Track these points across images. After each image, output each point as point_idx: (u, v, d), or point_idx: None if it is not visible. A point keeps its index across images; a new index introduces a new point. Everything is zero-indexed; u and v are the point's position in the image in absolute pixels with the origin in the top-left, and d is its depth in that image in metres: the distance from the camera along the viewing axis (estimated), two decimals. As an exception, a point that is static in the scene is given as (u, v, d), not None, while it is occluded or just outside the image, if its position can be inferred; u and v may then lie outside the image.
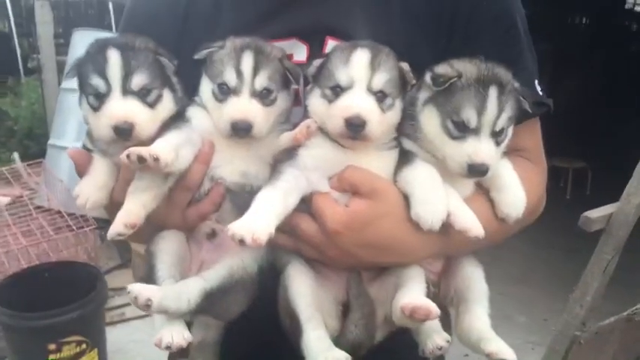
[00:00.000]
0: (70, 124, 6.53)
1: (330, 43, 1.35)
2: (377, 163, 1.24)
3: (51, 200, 5.56)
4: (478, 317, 1.33)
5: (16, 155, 6.67)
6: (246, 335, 1.39)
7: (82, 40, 6.69)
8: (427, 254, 1.28)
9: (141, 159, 1.11)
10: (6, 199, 5.77)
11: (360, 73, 1.20)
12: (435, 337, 1.28)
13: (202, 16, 1.47)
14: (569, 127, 10.20)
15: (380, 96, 1.21)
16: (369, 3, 1.38)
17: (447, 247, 1.27)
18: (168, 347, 1.19)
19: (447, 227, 1.18)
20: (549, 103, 1.42)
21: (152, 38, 1.33)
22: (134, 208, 1.21)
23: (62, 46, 8.35)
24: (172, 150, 1.18)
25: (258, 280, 1.33)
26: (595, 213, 2.67)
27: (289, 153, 1.23)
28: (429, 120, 1.22)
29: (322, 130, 1.24)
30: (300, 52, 1.39)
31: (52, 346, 3.66)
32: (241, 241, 1.07)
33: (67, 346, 3.70)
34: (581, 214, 2.72)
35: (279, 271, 1.32)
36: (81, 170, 1.31)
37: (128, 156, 1.11)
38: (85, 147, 1.37)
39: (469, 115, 1.17)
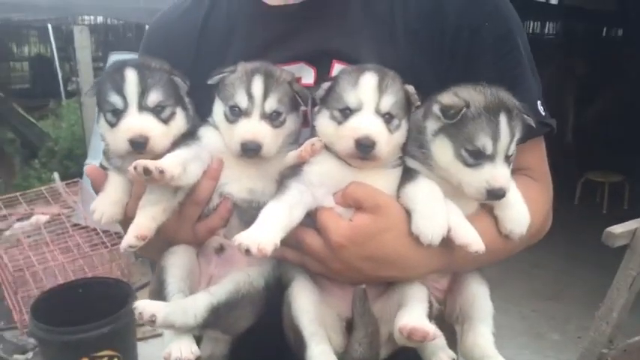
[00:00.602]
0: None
1: (337, 67, 1.39)
2: (381, 180, 1.27)
3: (87, 218, 5.73)
4: (482, 335, 1.35)
5: (56, 175, 6.92)
6: (253, 350, 1.42)
7: (117, 63, 6.90)
8: (430, 269, 1.29)
9: (146, 171, 1.17)
10: (45, 217, 5.96)
11: (369, 96, 1.24)
12: (440, 354, 1.30)
13: (214, 44, 1.54)
14: (605, 140, 10.04)
15: (387, 118, 1.25)
16: (374, 27, 1.42)
17: (449, 262, 1.29)
18: None
19: (448, 243, 1.20)
20: (552, 123, 1.44)
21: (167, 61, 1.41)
22: (144, 221, 1.27)
23: (101, 69, 8.63)
24: (179, 164, 1.24)
25: (266, 295, 1.36)
26: (619, 228, 2.63)
27: (295, 169, 1.28)
28: (442, 150, 1.25)
29: (327, 148, 1.28)
30: (307, 75, 1.44)
31: (86, 360, 3.77)
32: (247, 251, 1.11)
33: (99, 360, 3.80)
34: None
35: (285, 287, 1.36)
36: (97, 187, 1.38)
37: (135, 167, 1.17)
38: (101, 165, 1.44)
39: (484, 143, 1.20)
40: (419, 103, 1.29)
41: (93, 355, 3.80)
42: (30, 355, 4.72)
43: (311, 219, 1.26)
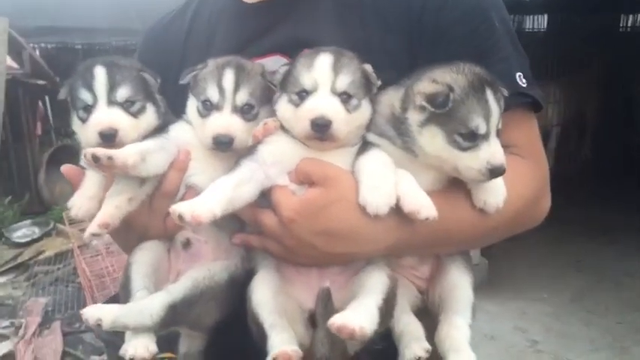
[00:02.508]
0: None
1: None
2: (336, 157, 1.24)
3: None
4: (456, 327, 1.29)
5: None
6: (229, 345, 1.41)
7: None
8: (387, 244, 1.23)
9: (95, 157, 1.19)
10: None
11: (324, 77, 1.23)
12: (413, 346, 1.24)
13: (199, 46, 1.58)
14: None
15: (345, 97, 1.22)
16: (344, 13, 1.42)
17: (410, 237, 1.23)
18: (131, 359, 1.24)
19: (401, 213, 1.16)
20: (535, 94, 1.36)
21: (160, 68, 1.45)
22: (108, 210, 1.28)
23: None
24: (136, 154, 1.25)
25: (232, 289, 1.35)
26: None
27: (250, 149, 1.27)
28: (433, 139, 1.20)
29: (284, 129, 1.27)
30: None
31: (150, 362, 3.90)
32: (180, 217, 1.12)
33: (161, 361, 3.93)
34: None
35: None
36: (74, 184, 1.41)
37: (85, 155, 1.20)
38: (79, 165, 1.48)
39: (478, 124, 1.16)
40: (379, 82, 1.26)
41: (155, 357, 3.93)
42: (105, 356, 4.96)
43: (268, 201, 1.24)
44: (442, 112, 1.16)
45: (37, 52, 8.78)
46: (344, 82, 1.22)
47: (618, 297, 5.64)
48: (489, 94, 1.16)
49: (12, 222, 7.57)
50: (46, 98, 9.36)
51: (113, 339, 3.91)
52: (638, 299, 5.57)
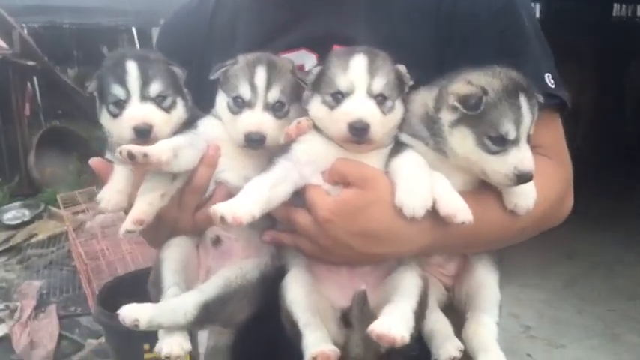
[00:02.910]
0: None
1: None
2: (370, 158, 1.24)
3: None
4: (483, 325, 1.31)
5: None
6: (256, 339, 1.43)
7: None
8: (421, 245, 1.24)
9: (130, 155, 1.18)
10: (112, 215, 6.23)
11: (360, 79, 1.22)
12: (448, 346, 1.25)
13: (221, 38, 1.56)
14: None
15: (380, 99, 1.22)
16: (371, 9, 1.41)
17: (443, 238, 1.23)
18: (167, 357, 1.25)
19: (438, 216, 1.16)
20: (563, 96, 1.37)
21: (181, 58, 1.44)
22: (142, 206, 1.28)
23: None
24: (169, 150, 1.24)
25: (263, 286, 1.36)
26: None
27: (284, 148, 1.27)
28: (462, 140, 1.20)
29: (316, 128, 1.27)
30: (309, 61, 1.43)
31: (147, 346, 3.88)
32: (222, 219, 1.12)
33: (161, 345, 3.94)
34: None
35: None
36: (103, 178, 1.41)
37: (120, 152, 1.19)
38: (106, 159, 1.47)
39: (508, 129, 1.16)
40: (412, 82, 1.26)
41: (155, 340, 3.93)
42: (102, 339, 4.96)
43: (301, 200, 1.24)
44: (474, 114, 1.16)
45: (25, 32, 8.60)
46: (380, 83, 1.21)
47: (610, 284, 5.75)
48: (523, 100, 1.16)
49: (2, 204, 7.51)
50: (34, 79, 9.20)
51: (112, 323, 3.92)
52: (630, 287, 5.68)
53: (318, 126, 1.26)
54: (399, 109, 1.26)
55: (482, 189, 1.26)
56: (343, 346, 1.27)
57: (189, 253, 1.40)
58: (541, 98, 1.21)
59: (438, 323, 1.32)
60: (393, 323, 1.13)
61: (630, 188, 7.80)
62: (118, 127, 1.34)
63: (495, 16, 1.33)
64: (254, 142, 1.28)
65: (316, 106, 1.27)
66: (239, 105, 1.32)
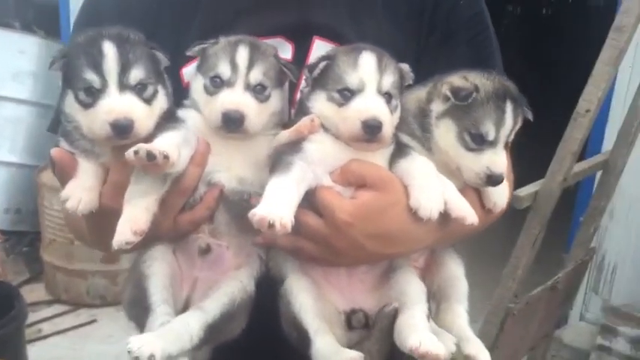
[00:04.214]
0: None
1: (318, 43, 1.35)
2: (376, 158, 1.25)
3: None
4: (459, 315, 1.40)
5: None
6: (236, 348, 1.34)
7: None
8: (426, 244, 1.30)
9: (150, 155, 1.05)
10: None
11: (371, 76, 1.21)
12: (445, 341, 1.25)
13: (176, 14, 1.41)
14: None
15: (387, 98, 1.23)
16: (354, 2, 1.40)
17: (443, 237, 1.30)
18: None
19: (444, 217, 1.21)
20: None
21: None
22: (138, 213, 1.14)
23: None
24: (176, 149, 1.13)
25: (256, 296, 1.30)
26: (523, 191, 2.83)
27: (294, 146, 1.21)
28: (446, 132, 1.25)
29: (324, 127, 1.24)
30: (285, 51, 1.37)
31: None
32: (271, 226, 1.05)
33: (-14, 370, 3.45)
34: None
35: (276, 283, 1.31)
36: (66, 172, 1.22)
37: (137, 152, 1.05)
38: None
39: (488, 129, 1.22)
40: (412, 81, 1.29)
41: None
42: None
43: (305, 201, 1.20)
44: (461, 105, 1.23)
45: None
46: (388, 82, 1.23)
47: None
48: (508, 106, 1.24)
49: None
50: None
51: None
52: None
53: (325, 124, 1.24)
54: (399, 108, 1.28)
55: (465, 190, 1.33)
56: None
57: (173, 265, 1.27)
58: (530, 115, 1.29)
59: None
60: (430, 339, 1.16)
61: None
62: (90, 119, 1.15)
63: (470, 21, 1.42)
64: (232, 123, 1.20)
65: (321, 103, 1.24)
66: (217, 85, 1.23)
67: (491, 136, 1.23)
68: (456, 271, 1.44)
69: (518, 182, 3.01)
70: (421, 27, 1.40)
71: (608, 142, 3.95)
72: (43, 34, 5.71)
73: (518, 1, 14.12)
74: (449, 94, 1.23)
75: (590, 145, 4.12)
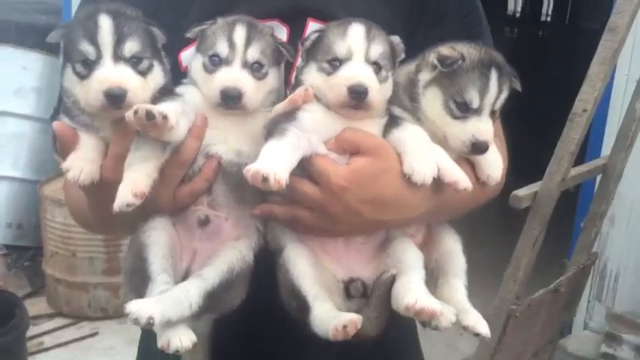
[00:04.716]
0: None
1: (312, 25, 1.39)
2: (369, 127, 1.28)
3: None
4: (457, 290, 1.40)
5: None
6: (238, 321, 1.37)
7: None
8: (422, 211, 1.31)
9: (149, 115, 1.09)
10: None
11: (358, 45, 1.25)
12: (446, 313, 1.26)
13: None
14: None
15: (375, 67, 1.26)
16: None
17: (439, 205, 1.32)
18: (177, 351, 1.17)
19: (438, 184, 1.24)
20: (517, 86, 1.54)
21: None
22: (138, 177, 1.16)
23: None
24: (175, 115, 1.16)
25: (255, 267, 1.32)
26: (522, 191, 2.85)
27: (289, 115, 1.25)
28: (432, 101, 1.28)
29: (317, 98, 1.27)
30: (280, 33, 1.41)
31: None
32: (265, 180, 1.08)
33: (-12, 380, 3.46)
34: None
35: (274, 254, 1.33)
36: (67, 145, 1.24)
37: (136, 112, 1.08)
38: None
39: (473, 97, 1.25)
40: (404, 54, 1.32)
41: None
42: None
43: (298, 170, 1.23)
44: (447, 72, 1.26)
45: None
46: (376, 52, 1.26)
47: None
48: (493, 75, 1.27)
49: None
50: None
51: None
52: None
53: (316, 94, 1.27)
54: (390, 81, 1.31)
55: (459, 162, 1.35)
56: None
57: (173, 236, 1.29)
58: (518, 85, 1.33)
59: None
60: (426, 297, 1.19)
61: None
62: (86, 90, 1.19)
63: (461, 1, 1.48)
64: (230, 100, 1.24)
65: (313, 74, 1.28)
66: (215, 63, 1.27)
67: (475, 104, 1.25)
68: (453, 247, 1.45)
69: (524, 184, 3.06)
70: (412, 8, 1.45)
71: (608, 146, 3.97)
72: (45, 51, 5.80)
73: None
74: (436, 62, 1.26)
75: (590, 150, 4.15)
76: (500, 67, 1.28)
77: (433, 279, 1.43)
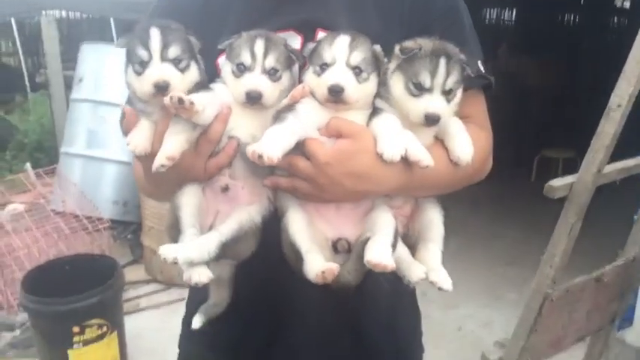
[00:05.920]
0: (79, 133, 6.90)
1: (320, 34, 1.69)
2: (356, 117, 1.58)
3: (65, 203, 5.90)
4: (430, 251, 1.65)
5: (28, 165, 7.04)
6: (254, 271, 1.72)
7: (90, 53, 7.06)
8: (395, 184, 1.58)
9: (180, 100, 1.45)
10: (21, 206, 6.10)
11: (340, 53, 1.55)
12: (415, 269, 1.58)
13: (214, 18, 1.82)
14: (559, 118, 10.60)
15: (357, 71, 1.55)
16: (351, 4, 1.75)
17: (410, 180, 1.59)
18: (196, 284, 1.54)
19: (406, 162, 1.51)
20: (490, 79, 1.78)
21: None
22: (172, 145, 1.53)
23: (66, 61, 8.66)
24: (201, 103, 1.51)
25: (263, 227, 1.67)
26: (558, 182, 3.00)
27: (289, 107, 1.57)
28: (397, 83, 1.56)
29: (312, 94, 1.59)
30: (295, 41, 1.73)
31: (76, 329, 3.99)
32: (260, 157, 1.41)
33: (89, 328, 4.04)
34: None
35: (280, 218, 1.65)
36: (129, 125, 1.63)
37: (171, 97, 1.45)
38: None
39: (424, 78, 1.51)
40: (386, 60, 1.60)
41: (83, 324, 4.03)
42: (17, 332, 4.90)
43: (296, 150, 1.54)
44: (406, 62, 1.53)
45: None
46: (357, 58, 1.54)
47: (490, 255, 6.55)
48: (442, 61, 1.51)
49: None
50: None
51: (39, 308, 3.98)
52: (506, 255, 6.51)
53: (311, 91, 1.58)
54: (372, 81, 1.59)
55: (432, 145, 1.62)
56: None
57: (201, 199, 1.66)
58: (469, 70, 1.57)
59: (403, 252, 1.66)
60: (383, 254, 1.47)
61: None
62: (141, 83, 1.57)
63: (444, 14, 1.73)
64: (253, 99, 1.57)
65: (309, 75, 1.60)
66: (241, 70, 1.60)
67: (427, 84, 1.51)
68: (433, 217, 1.70)
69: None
70: (402, 21, 1.72)
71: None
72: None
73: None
74: (398, 52, 1.55)
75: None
76: (449, 56, 1.53)
77: (416, 245, 1.71)
